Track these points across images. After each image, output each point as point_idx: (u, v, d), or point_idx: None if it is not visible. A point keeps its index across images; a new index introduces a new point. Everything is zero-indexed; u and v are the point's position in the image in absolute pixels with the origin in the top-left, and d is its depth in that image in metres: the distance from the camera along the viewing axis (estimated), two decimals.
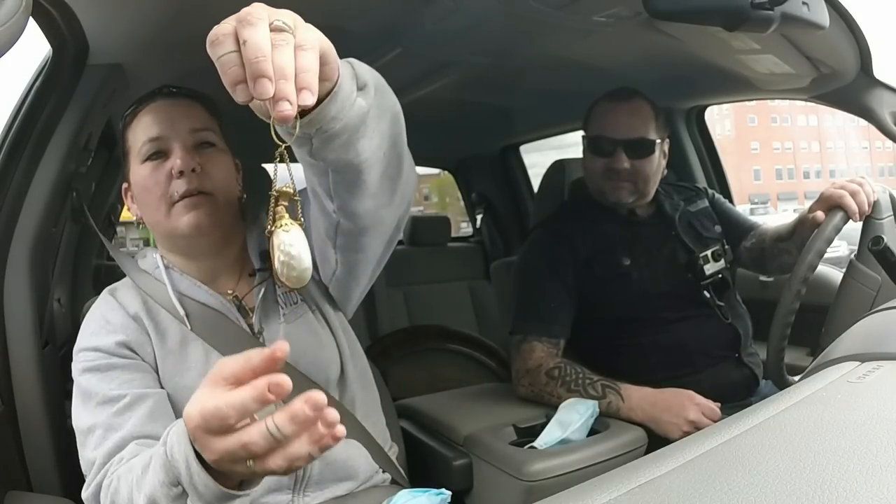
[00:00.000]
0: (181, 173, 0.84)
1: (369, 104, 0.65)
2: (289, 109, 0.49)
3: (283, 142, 0.59)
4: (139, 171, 0.87)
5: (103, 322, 0.86)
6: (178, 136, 0.86)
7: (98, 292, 0.92)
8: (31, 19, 0.55)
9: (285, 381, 0.50)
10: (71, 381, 0.85)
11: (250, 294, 0.91)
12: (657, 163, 1.35)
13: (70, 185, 1.21)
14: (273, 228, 0.63)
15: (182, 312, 0.86)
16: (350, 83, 0.62)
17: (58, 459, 1.07)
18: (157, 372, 0.85)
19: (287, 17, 0.52)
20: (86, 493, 0.78)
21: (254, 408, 0.51)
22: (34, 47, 1.10)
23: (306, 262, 0.64)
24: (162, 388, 0.84)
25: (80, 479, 0.80)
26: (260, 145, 0.62)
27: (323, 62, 0.55)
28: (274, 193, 0.62)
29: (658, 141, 1.34)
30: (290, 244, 0.63)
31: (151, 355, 0.85)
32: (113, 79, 1.19)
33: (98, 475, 0.76)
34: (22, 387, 1.06)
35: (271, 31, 0.50)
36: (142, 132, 0.88)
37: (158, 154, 0.87)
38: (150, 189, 0.86)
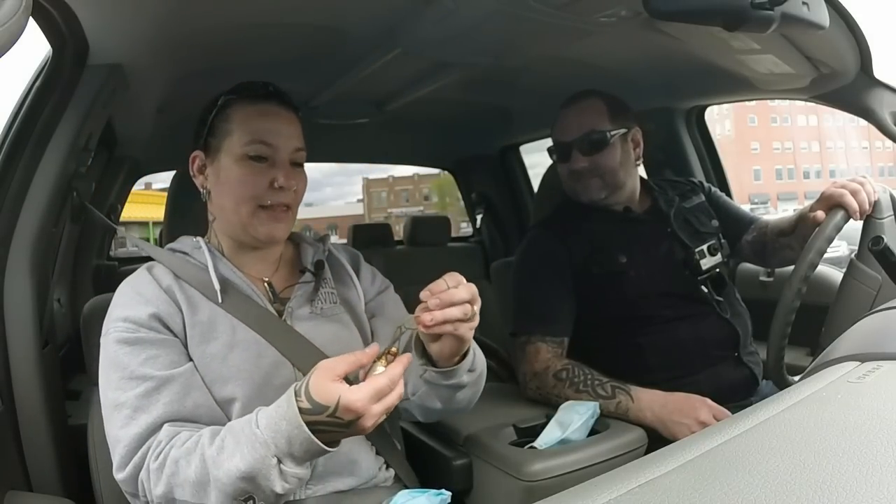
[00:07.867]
0: (281, 188, 0.91)
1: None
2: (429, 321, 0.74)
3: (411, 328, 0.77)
4: (235, 167, 0.91)
5: (134, 294, 0.89)
6: (285, 151, 0.93)
7: (98, 292, 0.92)
8: (31, 19, 0.55)
9: None
10: (71, 380, 0.84)
11: (286, 287, 0.97)
12: (619, 153, 1.34)
13: (70, 185, 1.21)
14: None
15: (218, 287, 0.90)
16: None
17: (58, 459, 1.07)
18: (185, 343, 0.87)
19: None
20: (121, 475, 0.79)
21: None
22: (34, 47, 1.10)
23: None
24: (190, 359, 0.86)
25: (80, 480, 0.80)
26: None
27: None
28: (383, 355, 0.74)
29: (613, 131, 1.33)
30: None
31: (181, 325, 0.88)
32: (113, 79, 1.19)
33: (134, 457, 0.78)
34: (22, 387, 1.05)
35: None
36: (250, 129, 0.91)
37: (260, 158, 0.91)
38: (241, 186, 0.91)
